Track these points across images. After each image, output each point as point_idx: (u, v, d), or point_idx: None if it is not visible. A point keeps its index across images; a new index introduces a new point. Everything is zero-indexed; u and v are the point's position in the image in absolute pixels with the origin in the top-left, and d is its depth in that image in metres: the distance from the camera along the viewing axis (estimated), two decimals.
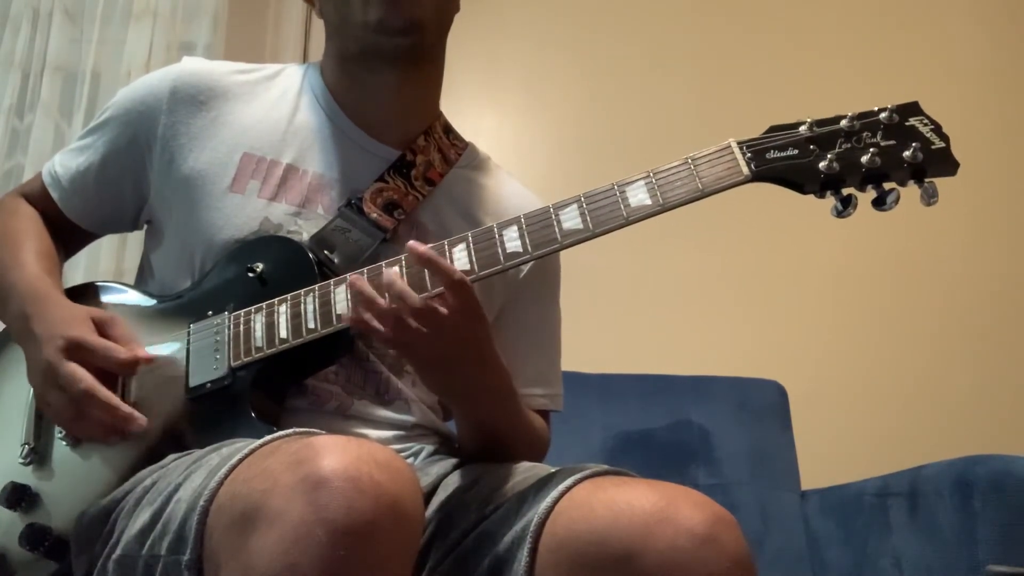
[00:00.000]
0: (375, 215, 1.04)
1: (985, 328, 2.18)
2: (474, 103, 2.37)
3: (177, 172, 1.06)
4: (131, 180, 1.11)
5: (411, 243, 0.88)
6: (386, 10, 1.02)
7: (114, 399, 0.94)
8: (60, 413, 0.96)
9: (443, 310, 0.86)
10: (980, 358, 2.16)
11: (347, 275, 0.95)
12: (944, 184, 0.86)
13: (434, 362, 0.91)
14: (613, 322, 2.17)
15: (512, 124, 2.40)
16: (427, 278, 0.90)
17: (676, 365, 1.89)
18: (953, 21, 2.36)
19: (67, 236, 1.15)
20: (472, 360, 0.92)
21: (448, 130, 1.17)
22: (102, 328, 0.99)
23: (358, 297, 0.89)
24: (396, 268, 0.92)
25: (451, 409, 1.07)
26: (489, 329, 0.93)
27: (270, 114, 1.09)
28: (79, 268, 2.03)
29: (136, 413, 0.94)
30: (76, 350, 0.95)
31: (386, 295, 0.88)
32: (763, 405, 1.82)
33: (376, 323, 0.88)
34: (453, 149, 1.15)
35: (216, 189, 1.04)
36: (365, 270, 0.94)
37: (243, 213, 1.03)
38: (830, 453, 1.94)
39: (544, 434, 1.13)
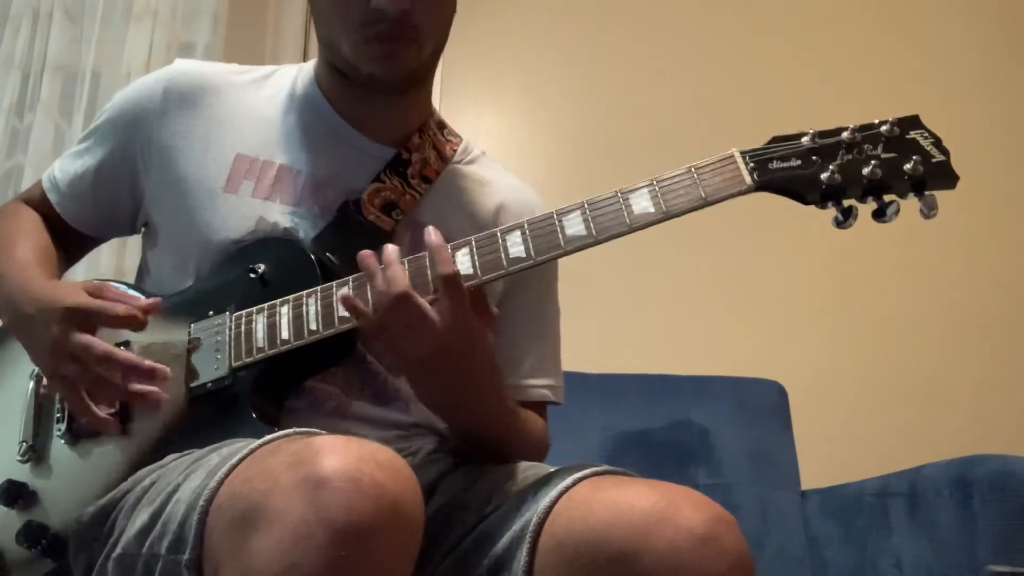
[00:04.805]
0: (373, 216, 1.04)
1: (985, 328, 2.18)
2: (474, 103, 2.37)
3: (171, 174, 1.06)
4: (127, 183, 1.11)
5: (428, 228, 0.89)
6: (378, 68, 1.01)
7: (133, 356, 0.92)
8: (77, 385, 0.93)
9: (431, 310, 0.86)
10: (980, 358, 2.16)
11: (348, 278, 0.95)
12: None
13: (421, 366, 0.89)
14: (613, 322, 2.17)
15: (512, 124, 2.40)
16: (430, 280, 0.90)
17: (676, 365, 1.89)
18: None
19: (68, 241, 1.15)
20: (461, 371, 0.90)
21: (442, 126, 1.17)
22: (95, 294, 0.97)
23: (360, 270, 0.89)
24: (402, 266, 0.90)
25: (444, 422, 1.03)
26: (484, 343, 0.91)
27: (263, 114, 1.09)
28: (80, 267, 2.02)
29: (160, 365, 0.91)
30: (77, 318, 0.93)
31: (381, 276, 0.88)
32: (763, 405, 1.82)
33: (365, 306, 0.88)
34: (448, 145, 1.15)
35: (210, 190, 1.04)
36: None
37: (237, 213, 1.03)
38: (830, 453, 1.94)
39: (543, 438, 1.11)
